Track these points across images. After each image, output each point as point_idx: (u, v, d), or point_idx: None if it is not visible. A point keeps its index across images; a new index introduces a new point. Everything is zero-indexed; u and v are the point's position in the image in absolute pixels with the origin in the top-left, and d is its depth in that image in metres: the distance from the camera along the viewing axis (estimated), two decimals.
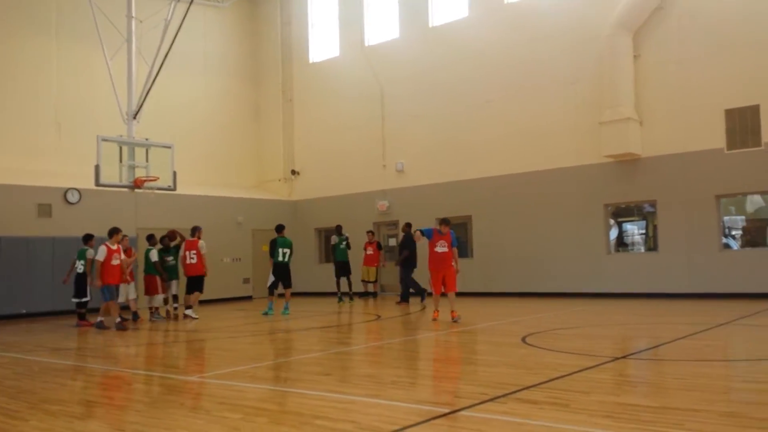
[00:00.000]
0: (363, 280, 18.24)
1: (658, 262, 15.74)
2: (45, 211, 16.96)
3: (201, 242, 14.09)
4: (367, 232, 18.86)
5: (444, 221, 12.20)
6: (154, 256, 14.16)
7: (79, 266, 13.56)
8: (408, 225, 16.90)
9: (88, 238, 13.58)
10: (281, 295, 15.01)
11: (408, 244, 16.18)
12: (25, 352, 9.83)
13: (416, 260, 16.07)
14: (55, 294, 15.70)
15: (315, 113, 22.81)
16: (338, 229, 18.17)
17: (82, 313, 13.64)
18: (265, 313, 14.38)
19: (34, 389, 6.97)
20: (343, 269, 17.86)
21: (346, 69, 22.00)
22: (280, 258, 14.43)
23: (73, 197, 17.44)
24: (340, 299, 17.80)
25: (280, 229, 14.80)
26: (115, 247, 12.50)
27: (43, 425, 5.13)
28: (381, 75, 20.86)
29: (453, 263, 11.83)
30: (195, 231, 14.24)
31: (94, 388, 6.99)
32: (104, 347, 10.55)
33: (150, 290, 14.14)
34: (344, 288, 18.00)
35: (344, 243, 17.87)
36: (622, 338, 9.44)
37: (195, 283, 14.12)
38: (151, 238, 14.58)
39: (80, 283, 13.57)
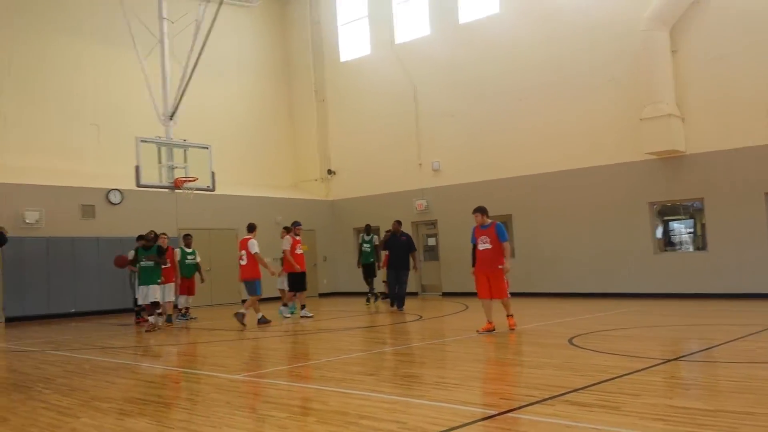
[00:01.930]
0: (384, 281, 17.39)
1: (708, 262, 15.35)
2: (88, 211, 17.33)
3: (251, 241, 12.88)
4: (386, 231, 17.84)
5: (478, 210, 10.51)
6: (176, 255, 14.21)
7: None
8: (398, 223, 15.80)
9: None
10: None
11: (391, 245, 15.36)
12: (74, 350, 10.04)
13: (402, 262, 15.10)
14: (102, 293, 16.06)
15: (348, 112, 22.84)
16: (367, 229, 17.65)
17: (137, 311, 13.92)
18: (292, 313, 14.34)
19: (85, 387, 7.10)
20: (369, 270, 17.33)
21: (377, 67, 21.98)
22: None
23: (115, 198, 17.78)
24: (368, 300, 17.23)
25: (250, 228, 13.31)
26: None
27: (93, 422, 5.22)
28: (413, 73, 20.78)
29: (503, 263, 10.06)
30: (251, 228, 13.24)
31: (142, 386, 7.09)
32: (150, 346, 10.72)
33: (181, 290, 14.20)
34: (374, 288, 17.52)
35: (369, 244, 17.32)
36: (672, 340, 9.22)
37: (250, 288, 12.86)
38: (186, 237, 14.79)
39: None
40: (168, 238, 13.78)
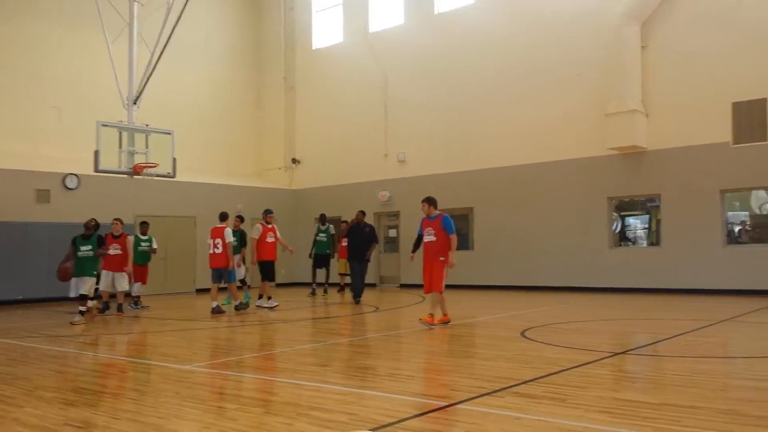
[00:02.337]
0: (340, 273, 17.70)
1: (661, 257, 15.68)
2: (43, 196, 16.91)
3: (227, 230, 13.04)
4: (342, 221, 18.03)
5: (425, 200, 10.22)
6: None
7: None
8: (362, 213, 15.41)
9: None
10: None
11: (353, 235, 14.95)
12: (20, 338, 9.80)
13: (360, 252, 14.71)
14: (52, 280, 15.63)
15: (317, 101, 22.70)
16: (322, 219, 17.32)
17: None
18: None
19: (29, 375, 6.93)
20: (321, 261, 17.05)
21: (349, 56, 21.88)
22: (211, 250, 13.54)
23: (71, 183, 17.38)
24: (313, 292, 16.85)
25: (222, 217, 13.44)
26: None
27: (37, 412, 5.09)
28: (384, 62, 20.74)
29: (445, 256, 9.70)
30: (224, 217, 13.40)
31: (89, 376, 6.95)
32: (99, 335, 10.52)
33: (134, 278, 13.88)
34: (320, 279, 17.35)
35: (326, 234, 17.00)
36: (622, 334, 9.40)
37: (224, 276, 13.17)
38: (142, 225, 14.48)
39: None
40: (123, 224, 13.47)
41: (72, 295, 12.03)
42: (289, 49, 23.50)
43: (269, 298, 13.52)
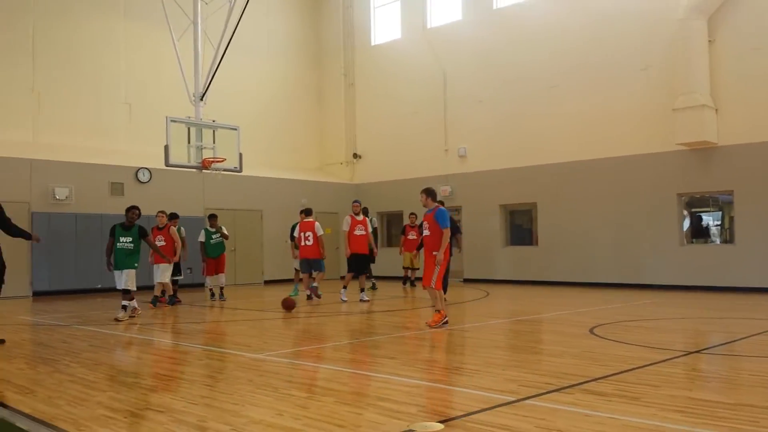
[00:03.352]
0: (404, 267, 17.19)
1: (735, 255, 15.16)
2: (117, 189, 17.60)
3: (317, 224, 13.78)
4: (410, 214, 17.30)
5: (423, 191, 9.67)
6: (201, 236, 14.33)
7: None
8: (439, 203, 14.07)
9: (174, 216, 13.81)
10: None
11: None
12: (100, 326, 10.24)
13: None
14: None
15: (377, 97, 22.81)
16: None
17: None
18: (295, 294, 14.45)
19: (111, 361, 7.27)
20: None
21: (407, 52, 21.90)
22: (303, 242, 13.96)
23: (144, 176, 18.02)
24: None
25: (309, 212, 14.16)
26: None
27: (119, 396, 5.34)
28: (443, 58, 20.68)
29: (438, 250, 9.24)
30: (310, 212, 14.12)
31: (166, 363, 7.23)
32: (173, 323, 10.89)
33: (207, 271, 14.30)
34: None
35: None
36: (696, 332, 9.15)
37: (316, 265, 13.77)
38: (211, 218, 14.61)
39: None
40: (166, 215, 13.26)
41: (118, 287, 11.13)
42: (348, 45, 23.68)
43: (344, 287, 13.65)
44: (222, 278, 14.47)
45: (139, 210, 11.15)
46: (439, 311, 9.37)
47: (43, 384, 5.81)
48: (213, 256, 14.30)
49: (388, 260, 19.87)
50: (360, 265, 13.52)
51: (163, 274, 12.76)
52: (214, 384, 5.80)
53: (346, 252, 13.53)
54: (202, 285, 16.08)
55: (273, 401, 5.06)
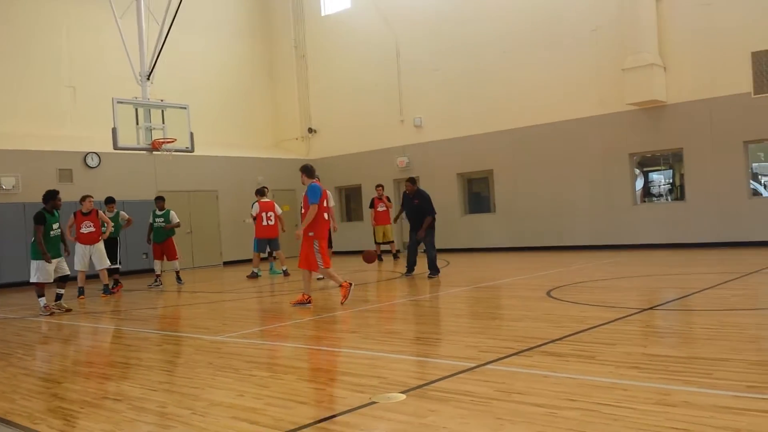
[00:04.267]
0: (377, 242, 17.00)
1: (686, 212, 15.52)
2: (66, 176, 17.10)
3: (275, 204, 14.47)
4: (376, 186, 17.34)
5: (300, 169, 9.48)
6: (150, 218, 13.91)
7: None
8: (409, 181, 12.84)
9: (110, 201, 13.41)
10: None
11: (428, 204, 12.48)
12: (53, 316, 9.99)
13: (413, 224, 12.60)
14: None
15: (330, 69, 22.52)
16: (157, 202, 14.03)
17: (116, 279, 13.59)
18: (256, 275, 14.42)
19: (65, 352, 7.11)
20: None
21: (358, 21, 21.62)
22: (265, 222, 14.45)
23: (92, 161, 17.54)
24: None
25: (263, 192, 14.81)
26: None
27: (75, 387, 5.23)
28: (395, 27, 20.48)
29: (313, 230, 9.05)
30: (264, 192, 14.73)
31: (123, 350, 7.10)
32: (129, 309, 10.71)
33: (154, 255, 13.87)
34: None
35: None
36: (649, 290, 9.36)
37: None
38: (157, 200, 14.01)
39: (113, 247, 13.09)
40: (92, 200, 12.34)
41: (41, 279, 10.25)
42: (298, 16, 23.25)
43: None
44: (175, 263, 14.02)
45: (52, 191, 10.46)
46: (342, 284, 9.04)
47: None
48: (157, 241, 13.73)
49: (348, 235, 19.87)
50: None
51: (100, 261, 12.12)
52: (173, 369, 5.72)
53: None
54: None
55: (233, 382, 5.02)
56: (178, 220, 14.01)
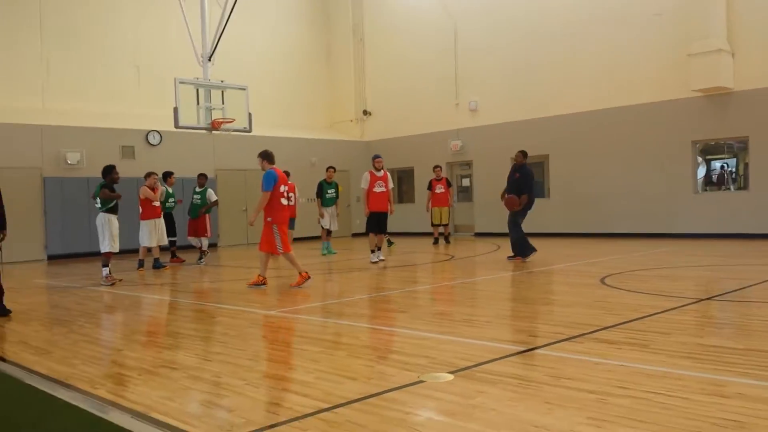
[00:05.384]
0: (434, 224, 16.82)
1: (749, 202, 15.00)
2: (128, 152, 17.63)
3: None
4: (434, 167, 17.05)
5: (258, 155, 9.63)
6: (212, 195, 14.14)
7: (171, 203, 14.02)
8: (520, 154, 12.07)
9: (167, 175, 13.97)
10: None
11: (526, 182, 11.77)
12: (114, 287, 10.36)
13: (533, 202, 11.90)
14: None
15: (386, 51, 22.50)
16: (199, 179, 14.31)
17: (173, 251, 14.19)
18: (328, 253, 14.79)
19: (125, 321, 7.38)
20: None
21: (417, 4, 21.49)
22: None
23: (154, 139, 18.02)
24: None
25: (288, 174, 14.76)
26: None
27: (134, 354, 5.43)
28: (453, 9, 20.28)
29: (271, 216, 9.26)
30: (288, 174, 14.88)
31: (180, 321, 7.32)
32: (185, 282, 11.01)
33: (188, 232, 14.13)
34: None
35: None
36: (708, 280, 9.12)
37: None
38: (199, 177, 14.30)
39: (171, 222, 13.96)
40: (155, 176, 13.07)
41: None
42: (356, 1, 23.26)
43: (372, 251, 12.58)
44: (204, 241, 14.00)
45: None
46: (301, 273, 9.23)
47: (59, 345, 5.91)
48: (192, 217, 13.99)
49: (401, 217, 19.87)
50: (380, 223, 12.45)
51: (141, 237, 12.84)
52: (228, 341, 5.88)
53: (365, 210, 12.49)
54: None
55: (286, 356, 5.13)
56: (216, 198, 14.28)
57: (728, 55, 14.89)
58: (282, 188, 9.33)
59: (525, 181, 11.64)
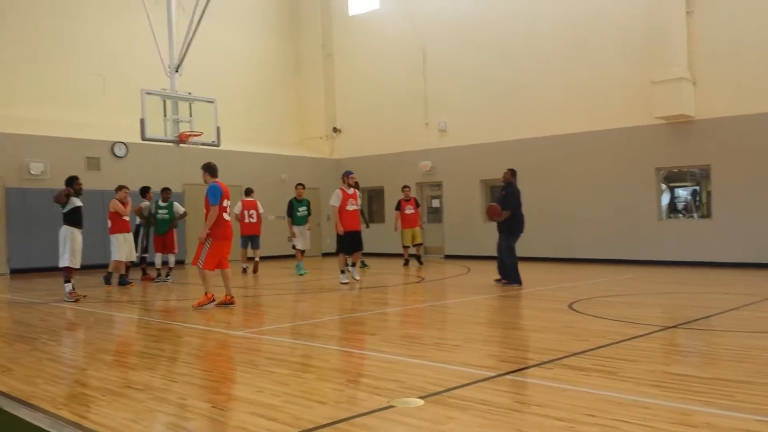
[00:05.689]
0: (404, 246, 16.72)
1: (712, 230, 15.32)
2: (94, 164, 17.33)
3: (258, 203, 15.51)
4: (403, 187, 16.90)
5: (201, 167, 9.54)
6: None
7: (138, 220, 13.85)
8: (509, 172, 11.97)
9: (145, 191, 13.84)
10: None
11: (510, 200, 11.49)
12: (78, 303, 10.13)
13: (522, 224, 11.76)
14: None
15: (356, 68, 22.59)
16: (163, 193, 14.05)
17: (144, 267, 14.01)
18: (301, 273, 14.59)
19: (89, 339, 7.20)
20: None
21: (386, 22, 21.65)
22: (246, 220, 15.42)
23: (120, 150, 17.76)
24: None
25: (250, 192, 15.88)
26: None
27: (98, 374, 5.29)
28: (422, 29, 20.47)
29: (210, 229, 9.20)
30: (251, 191, 15.75)
31: (145, 340, 7.17)
32: (152, 300, 10.82)
33: (155, 247, 13.81)
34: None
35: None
36: (673, 307, 9.26)
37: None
38: (163, 191, 14.09)
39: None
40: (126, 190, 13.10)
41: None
42: (325, 15, 23.33)
43: (342, 272, 12.34)
44: (171, 258, 13.73)
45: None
46: (206, 293, 9.19)
47: (21, 362, 5.74)
48: (159, 232, 13.73)
49: (370, 237, 19.82)
50: (354, 243, 12.21)
51: (112, 251, 12.79)
52: (194, 361, 5.77)
53: (338, 229, 12.03)
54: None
55: (253, 378, 5.05)
56: (184, 210, 14.15)
57: (689, 83, 15.27)
58: (225, 203, 9.20)
59: (509, 199, 11.43)
